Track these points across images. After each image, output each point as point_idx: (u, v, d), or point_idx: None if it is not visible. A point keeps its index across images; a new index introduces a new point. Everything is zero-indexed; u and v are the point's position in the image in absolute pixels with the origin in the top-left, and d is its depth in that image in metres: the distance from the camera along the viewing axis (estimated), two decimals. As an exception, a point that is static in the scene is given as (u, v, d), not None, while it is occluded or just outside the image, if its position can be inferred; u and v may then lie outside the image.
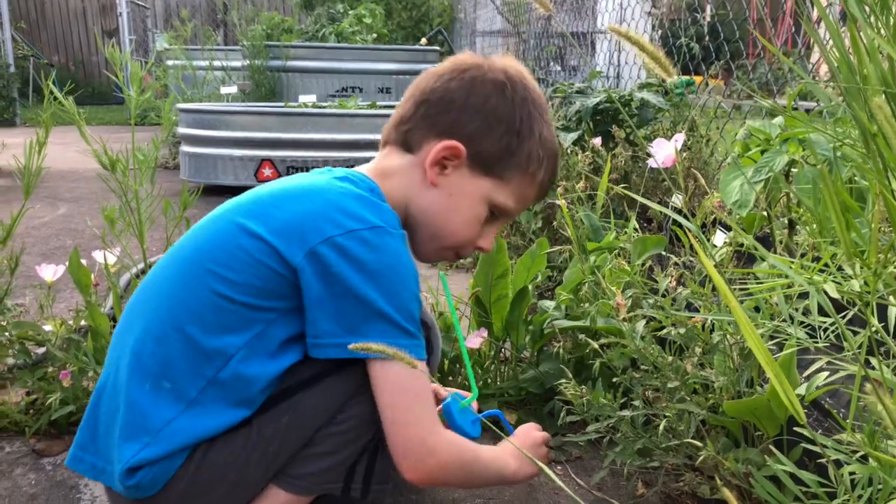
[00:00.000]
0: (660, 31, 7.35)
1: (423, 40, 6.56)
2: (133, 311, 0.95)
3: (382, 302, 0.87)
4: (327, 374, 0.93)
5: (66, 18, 11.79)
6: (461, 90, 0.99)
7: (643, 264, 1.40)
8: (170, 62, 5.63)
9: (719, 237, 1.76)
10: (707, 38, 3.51)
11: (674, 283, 1.28)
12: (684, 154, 2.26)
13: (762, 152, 1.47)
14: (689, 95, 3.10)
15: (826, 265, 0.72)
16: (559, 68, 7.55)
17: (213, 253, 0.91)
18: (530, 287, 1.48)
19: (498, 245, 1.40)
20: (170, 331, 0.89)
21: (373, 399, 0.92)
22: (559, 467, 1.34)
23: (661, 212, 2.10)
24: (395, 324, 0.88)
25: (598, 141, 2.27)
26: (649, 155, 2.50)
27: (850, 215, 0.64)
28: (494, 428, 1.06)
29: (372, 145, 3.86)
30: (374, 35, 5.74)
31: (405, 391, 0.90)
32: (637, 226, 1.74)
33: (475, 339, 1.41)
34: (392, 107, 4.54)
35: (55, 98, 1.47)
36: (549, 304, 1.56)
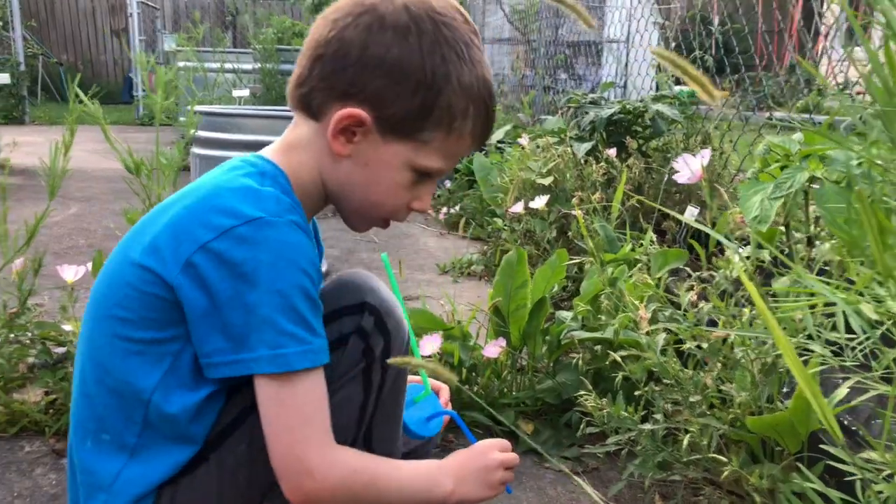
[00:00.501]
0: (669, 42, 7.33)
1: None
2: (75, 366, 0.93)
3: (264, 306, 0.78)
4: None
5: (76, 17, 11.84)
6: (357, 41, 0.84)
7: (661, 277, 1.41)
8: (181, 63, 5.65)
9: (731, 250, 1.76)
10: (712, 49, 3.51)
11: (695, 298, 1.28)
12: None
13: (782, 168, 1.48)
14: (696, 107, 3.11)
15: (852, 283, 0.73)
16: (566, 76, 7.58)
17: (108, 295, 0.86)
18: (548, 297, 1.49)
19: (518, 256, 1.41)
20: (92, 385, 0.87)
21: (339, 402, 0.88)
22: (576, 478, 1.34)
23: (675, 224, 2.10)
24: (280, 329, 0.79)
25: (612, 152, 2.28)
26: (661, 167, 2.50)
27: (888, 236, 0.65)
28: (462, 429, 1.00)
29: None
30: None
31: (282, 404, 0.80)
32: (653, 238, 1.75)
33: (493, 349, 1.41)
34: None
35: (80, 100, 1.48)
36: (566, 314, 1.57)
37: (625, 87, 7.92)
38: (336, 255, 2.90)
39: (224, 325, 0.79)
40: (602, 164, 2.26)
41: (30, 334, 1.46)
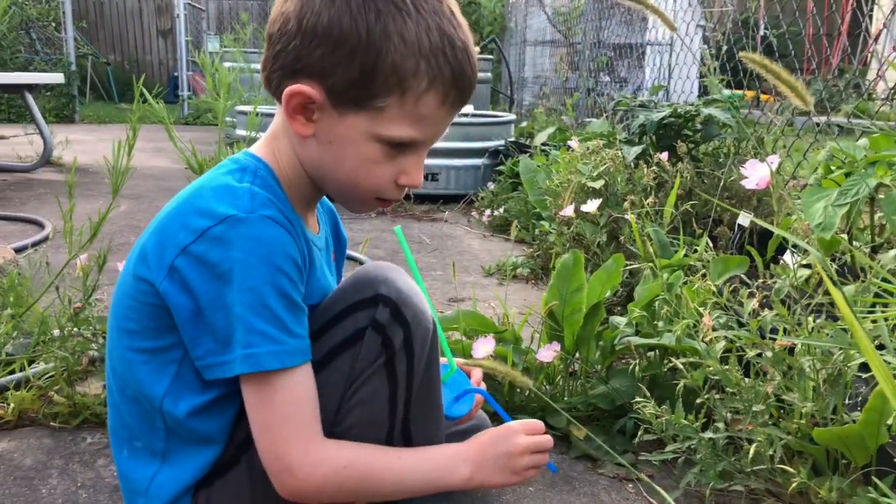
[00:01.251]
0: (713, 45, 7.23)
1: (476, 49, 6.57)
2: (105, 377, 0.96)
3: (238, 305, 0.77)
4: None
5: (123, 18, 12.09)
6: (294, 12, 0.81)
7: (721, 285, 1.39)
8: (227, 64, 5.73)
9: (789, 257, 1.73)
10: (760, 53, 3.45)
11: (757, 305, 1.26)
12: (752, 172, 2.24)
13: (846, 175, 1.44)
14: (748, 111, 3.06)
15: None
16: (608, 79, 7.53)
17: (118, 307, 0.88)
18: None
19: (575, 259, 1.40)
20: (118, 395, 0.90)
21: (366, 398, 0.88)
22: (630, 485, 1.33)
23: (729, 230, 2.07)
24: (251, 328, 0.78)
25: (664, 156, 2.26)
26: (713, 172, 2.46)
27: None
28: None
29: (430, 152, 3.88)
30: (429, 42, 5.79)
31: (261, 404, 0.80)
32: (708, 243, 1.72)
33: (547, 353, 1.41)
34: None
35: (144, 100, 1.51)
36: (619, 320, 1.55)
37: (667, 90, 7.83)
38: (381, 256, 2.92)
39: (210, 328, 0.79)
40: (653, 168, 2.23)
41: (92, 328, 1.49)
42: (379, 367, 0.89)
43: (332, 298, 0.93)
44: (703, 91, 7.06)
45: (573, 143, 2.50)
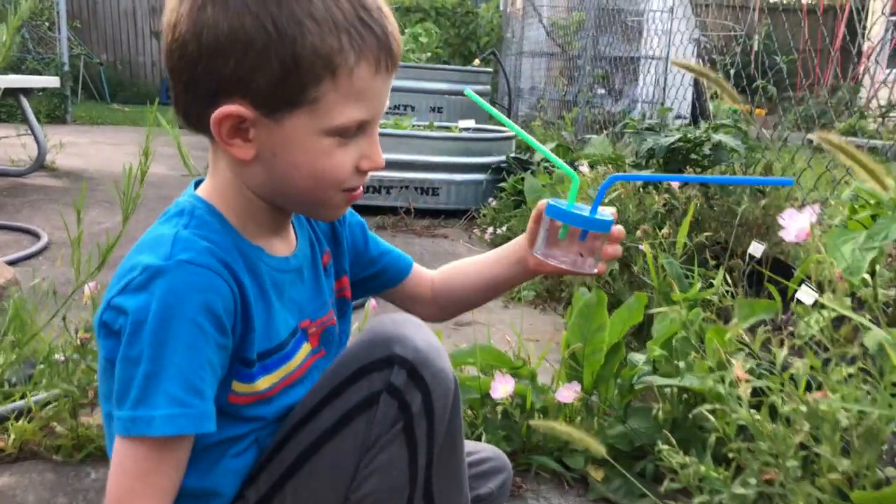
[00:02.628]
0: (706, 58, 7.27)
1: (477, 61, 6.56)
2: None
3: (143, 362, 0.72)
4: (321, 444, 0.86)
5: (116, 18, 11.99)
6: (190, 34, 0.75)
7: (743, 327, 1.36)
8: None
9: (806, 294, 1.71)
10: (752, 67, 3.46)
11: (782, 348, 1.24)
12: (763, 202, 2.22)
13: (873, 217, 1.43)
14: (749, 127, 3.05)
15: None
16: (603, 91, 7.53)
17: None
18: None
19: (598, 299, 1.37)
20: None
21: (384, 464, 0.85)
22: (652, 532, 1.30)
23: (744, 261, 2.05)
24: (151, 389, 0.72)
25: (675, 184, 2.24)
26: (721, 197, 2.44)
27: None
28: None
29: (430, 167, 3.85)
30: (429, 54, 5.76)
31: (120, 470, 0.74)
32: (728, 278, 1.70)
33: (567, 394, 1.38)
34: (447, 127, 4.56)
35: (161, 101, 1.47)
36: (638, 357, 1.53)
37: (663, 104, 7.86)
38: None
39: (116, 381, 0.75)
40: (664, 195, 2.21)
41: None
42: (396, 433, 0.85)
43: (347, 356, 0.90)
44: (697, 105, 7.08)
45: (583, 168, 2.47)
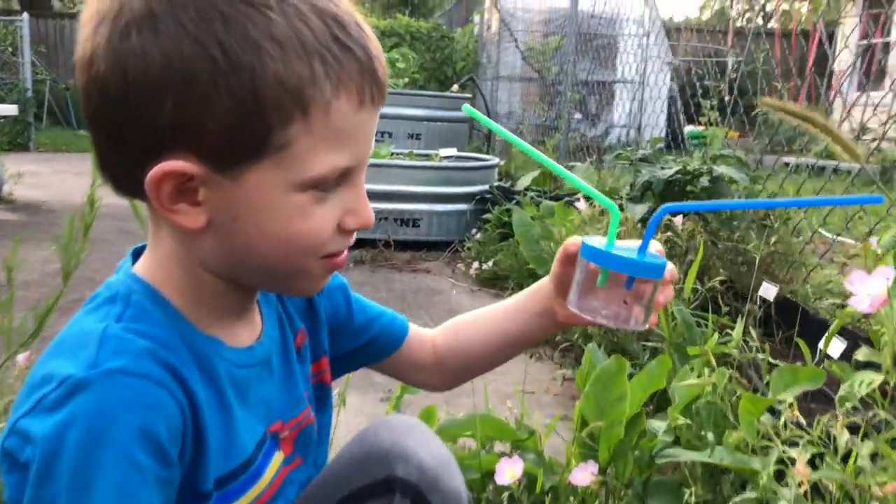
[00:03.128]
0: (678, 82, 7.22)
1: (455, 86, 6.43)
2: None
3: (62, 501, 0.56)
4: None
5: (85, 42, 11.77)
6: (110, 68, 0.57)
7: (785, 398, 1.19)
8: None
9: (836, 346, 1.55)
10: (723, 90, 3.38)
11: (834, 422, 1.07)
12: (773, 239, 2.07)
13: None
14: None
15: None
16: (580, 116, 7.45)
17: None
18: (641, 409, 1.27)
19: (618, 366, 1.19)
20: None
21: None
22: None
23: (758, 305, 1.89)
24: None
25: (678, 220, 2.08)
26: (722, 232, 2.29)
27: None
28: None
29: (410, 197, 3.67)
30: (406, 79, 5.61)
31: None
32: (750, 331, 1.54)
33: (583, 475, 1.19)
34: (427, 155, 4.40)
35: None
36: (658, 425, 1.35)
37: (639, 128, 7.82)
38: (362, 315, 2.69)
39: None
40: (666, 232, 2.05)
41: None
42: None
43: (336, 475, 0.73)
44: (671, 127, 7.02)
45: (580, 204, 2.31)
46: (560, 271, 0.79)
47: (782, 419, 1.01)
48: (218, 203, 0.61)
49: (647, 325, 0.72)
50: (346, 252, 0.70)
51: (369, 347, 0.89)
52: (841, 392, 1.17)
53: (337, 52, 0.59)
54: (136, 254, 0.71)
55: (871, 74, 7.18)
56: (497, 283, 3.10)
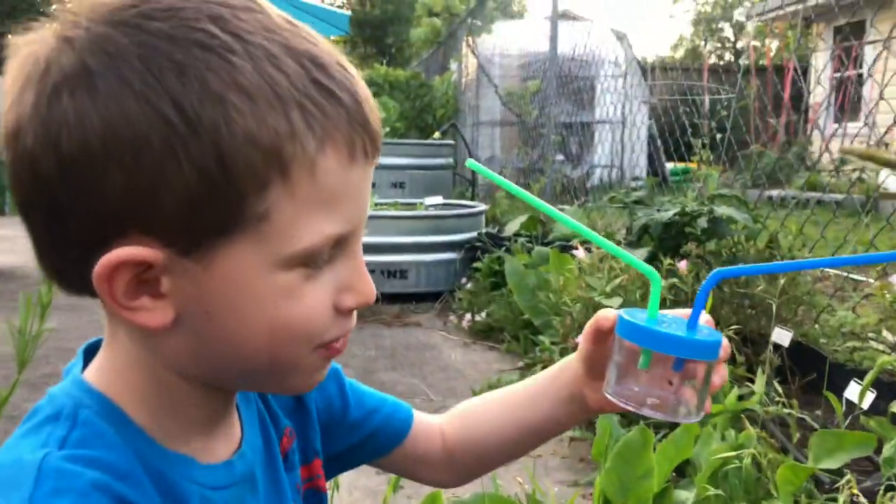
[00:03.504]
0: (657, 121, 7.26)
1: (437, 134, 6.39)
2: None
3: None
4: None
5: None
6: (40, 140, 0.46)
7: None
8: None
9: (854, 390, 1.44)
10: (714, 128, 3.36)
11: None
12: (782, 280, 1.98)
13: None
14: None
15: None
16: (562, 157, 7.44)
17: None
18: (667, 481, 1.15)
19: (643, 439, 1.07)
20: None
21: None
22: None
23: (773, 352, 1.78)
24: None
25: (683, 265, 1.98)
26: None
27: None
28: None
29: (397, 248, 3.56)
30: (388, 129, 5.56)
31: None
32: (774, 385, 1.43)
33: (610, 562, 1.06)
34: (412, 204, 4.31)
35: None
36: (685, 496, 1.23)
37: (621, 167, 7.81)
38: (351, 376, 2.55)
39: None
40: (671, 279, 1.95)
41: None
42: None
43: None
44: (653, 165, 6.98)
45: (578, 252, 2.21)
46: (590, 349, 0.68)
47: (840, 499, 0.89)
48: (187, 294, 0.50)
49: (701, 415, 0.61)
50: (345, 339, 0.58)
51: (368, 444, 0.77)
52: (886, 453, 1.06)
53: (319, 98, 0.48)
54: (89, 353, 0.59)
55: (846, 107, 7.25)
56: (491, 336, 2.98)
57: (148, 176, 0.46)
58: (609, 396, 0.62)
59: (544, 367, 1.87)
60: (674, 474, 1.52)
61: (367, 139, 0.52)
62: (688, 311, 0.65)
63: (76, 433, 0.50)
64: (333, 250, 0.53)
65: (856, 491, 0.86)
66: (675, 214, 2.25)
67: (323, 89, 0.49)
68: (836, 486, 1.18)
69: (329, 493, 0.94)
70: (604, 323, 0.65)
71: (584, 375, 0.70)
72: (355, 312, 0.57)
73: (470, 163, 0.71)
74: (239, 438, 0.62)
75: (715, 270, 0.59)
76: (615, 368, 0.61)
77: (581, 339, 0.69)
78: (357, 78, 0.53)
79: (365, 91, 0.53)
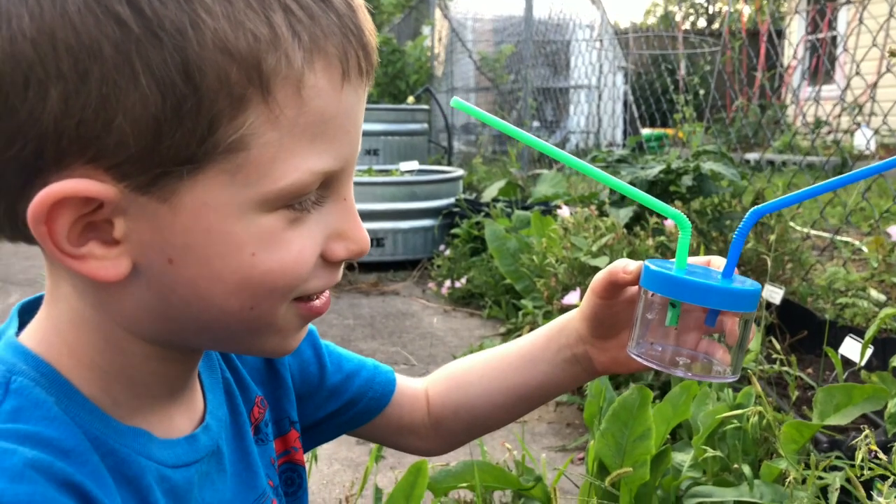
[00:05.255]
0: (631, 85, 7.21)
1: (411, 98, 6.26)
2: None
3: None
4: None
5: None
6: None
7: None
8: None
9: (849, 346, 1.40)
10: (697, 85, 3.30)
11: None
12: (772, 236, 1.92)
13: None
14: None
15: None
16: (538, 123, 7.36)
17: None
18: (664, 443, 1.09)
19: (642, 398, 1.01)
20: None
21: None
22: None
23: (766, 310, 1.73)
24: None
25: (670, 223, 1.92)
26: (709, 231, 2.14)
27: None
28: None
29: (372, 215, 3.47)
30: (360, 94, 5.42)
31: None
32: (784, 355, 1.37)
33: (607, 529, 1.01)
34: (387, 171, 4.20)
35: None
36: (681, 458, 1.17)
37: (598, 133, 7.74)
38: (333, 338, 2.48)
39: None
40: (658, 237, 1.89)
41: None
42: None
43: None
44: (628, 131, 6.95)
45: (563, 211, 2.14)
46: (597, 305, 0.61)
47: (859, 456, 0.83)
48: (145, 239, 0.42)
49: (737, 375, 0.54)
50: (328, 294, 0.50)
51: (348, 411, 0.69)
52: (891, 409, 1.01)
53: (307, 4, 0.40)
54: (25, 313, 0.50)
55: (819, 70, 7.23)
56: (472, 302, 2.91)
57: (95, 92, 0.37)
58: (634, 356, 0.55)
59: (530, 331, 1.76)
60: (669, 437, 1.47)
61: (361, 53, 0.44)
62: (709, 259, 0.58)
63: (8, 404, 0.43)
64: (321, 191, 0.45)
65: (874, 447, 0.81)
66: (660, 172, 2.18)
67: (313, 5, 0.41)
68: (838, 443, 1.14)
69: (307, 465, 0.87)
70: (620, 276, 0.57)
71: (588, 335, 0.63)
72: (343, 265, 0.50)
73: (455, 101, 0.63)
74: (202, 410, 0.54)
75: (752, 209, 0.52)
76: (640, 325, 0.54)
77: (587, 296, 0.62)
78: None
79: (356, 8, 0.45)
